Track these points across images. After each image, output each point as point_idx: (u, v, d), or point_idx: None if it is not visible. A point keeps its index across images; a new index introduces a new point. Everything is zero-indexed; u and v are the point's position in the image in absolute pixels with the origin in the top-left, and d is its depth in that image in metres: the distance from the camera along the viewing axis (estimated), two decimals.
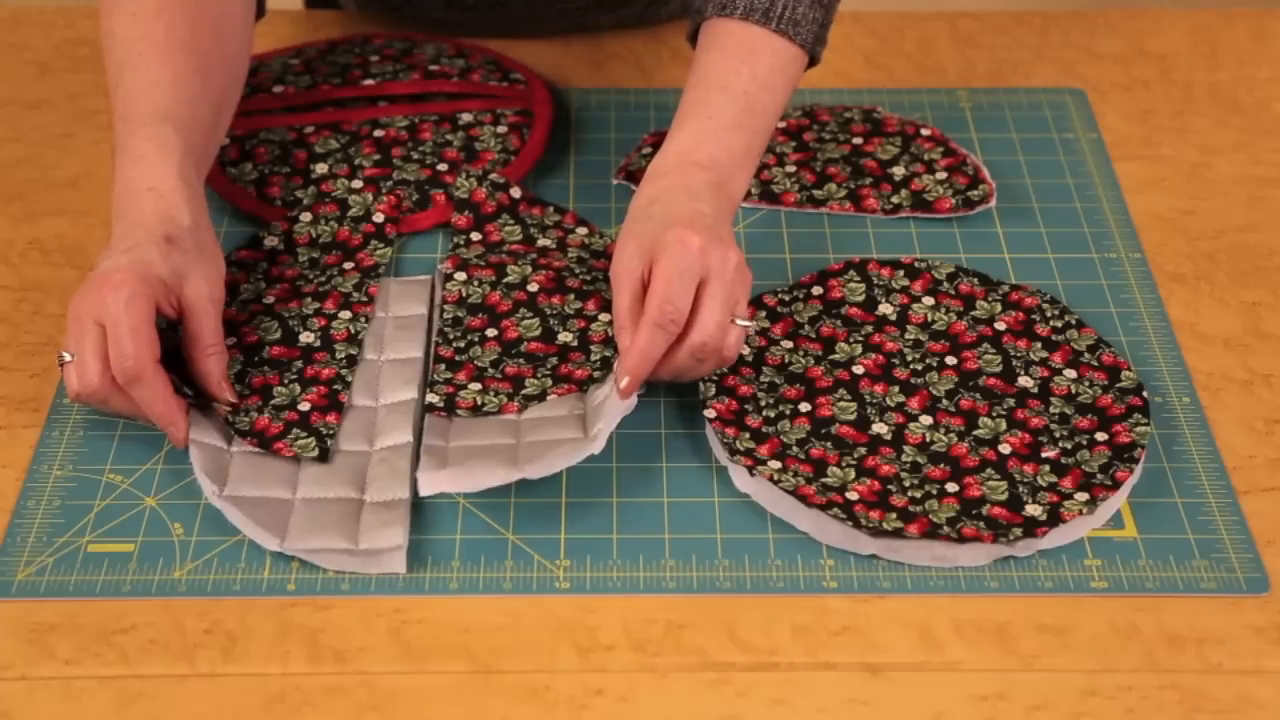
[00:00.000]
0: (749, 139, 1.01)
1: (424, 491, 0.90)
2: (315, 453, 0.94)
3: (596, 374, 0.97)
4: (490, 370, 0.98)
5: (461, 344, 1.00)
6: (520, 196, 1.11)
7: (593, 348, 0.99)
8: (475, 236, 1.08)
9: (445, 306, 1.02)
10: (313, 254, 1.08)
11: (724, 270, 0.93)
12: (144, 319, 0.91)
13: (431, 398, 0.96)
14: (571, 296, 1.02)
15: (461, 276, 1.04)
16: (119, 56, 1.01)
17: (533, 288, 1.03)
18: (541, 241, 1.08)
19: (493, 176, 1.11)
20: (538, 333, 1.00)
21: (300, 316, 1.02)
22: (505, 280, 1.04)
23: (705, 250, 0.93)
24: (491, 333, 1.00)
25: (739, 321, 0.94)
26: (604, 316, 1.00)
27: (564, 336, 1.00)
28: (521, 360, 0.98)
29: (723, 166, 0.99)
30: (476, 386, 0.97)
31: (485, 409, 0.95)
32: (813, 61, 1.05)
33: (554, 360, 0.98)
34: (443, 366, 0.98)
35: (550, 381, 0.97)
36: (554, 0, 1.27)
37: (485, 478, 0.90)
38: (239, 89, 1.07)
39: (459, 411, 0.95)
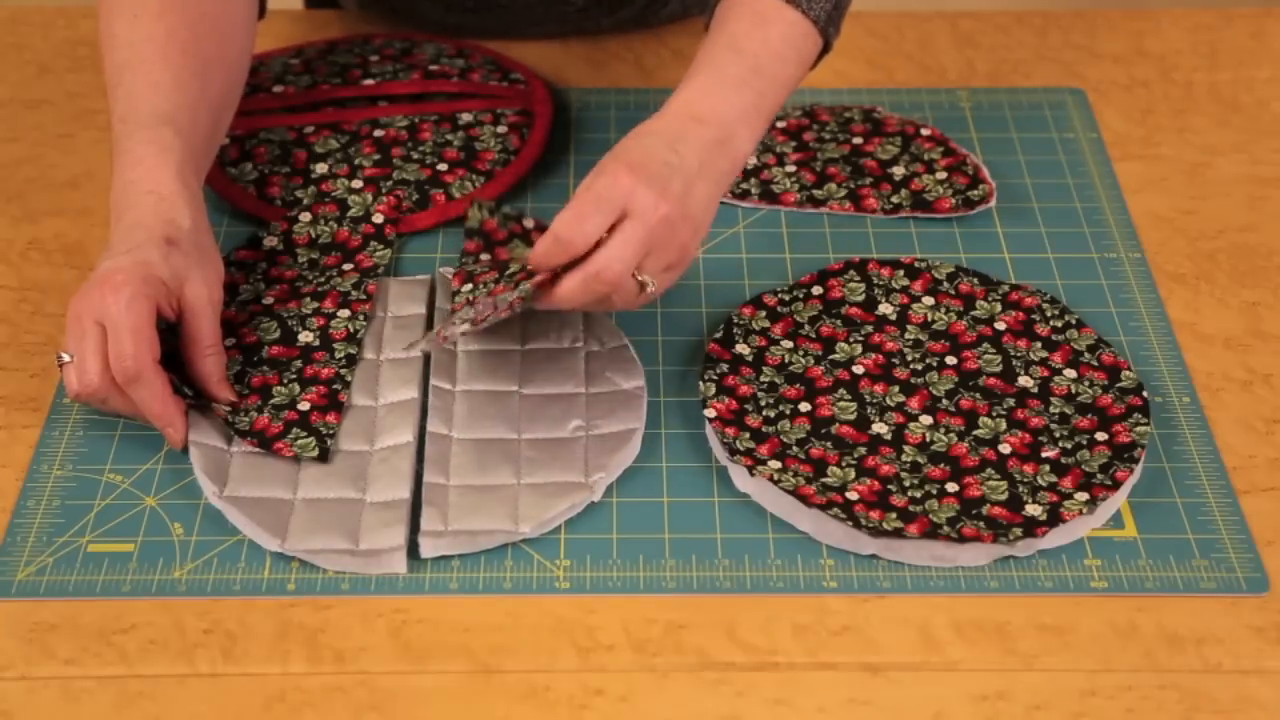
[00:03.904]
0: (755, 99, 0.97)
1: (425, 554, 0.91)
2: (315, 452, 0.94)
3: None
4: None
5: None
6: (533, 226, 1.10)
7: None
8: (484, 258, 1.07)
9: (455, 316, 1.01)
10: (312, 255, 1.07)
11: (646, 214, 0.90)
12: (145, 320, 0.91)
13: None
14: None
15: (468, 287, 1.03)
16: (119, 58, 1.01)
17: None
18: None
19: (505, 209, 1.10)
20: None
21: (299, 316, 1.02)
22: (506, 271, 1.01)
23: (633, 191, 0.90)
24: None
25: (641, 276, 0.90)
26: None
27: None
28: None
29: (725, 123, 0.95)
30: None
31: None
32: (826, 47, 1.02)
33: None
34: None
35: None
36: (553, 3, 1.27)
37: (485, 540, 0.91)
38: (239, 91, 1.07)
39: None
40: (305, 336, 1.01)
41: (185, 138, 0.99)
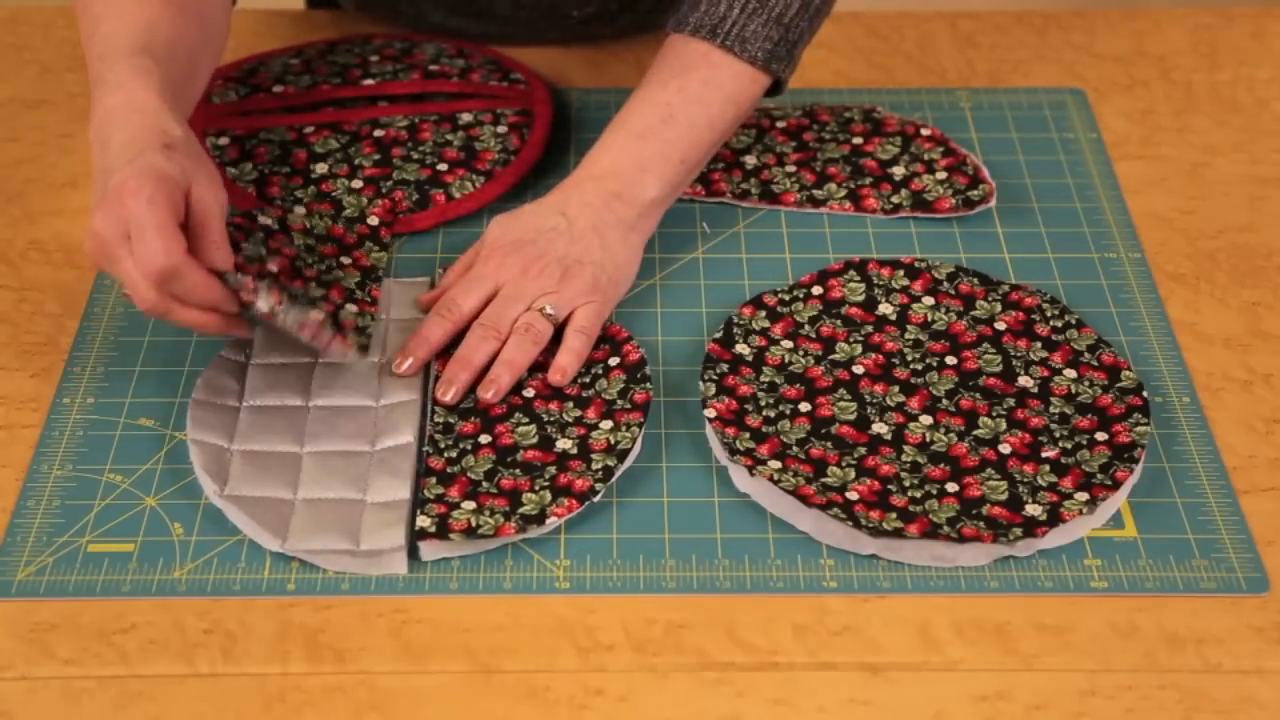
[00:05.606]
0: (663, 146, 1.03)
1: (426, 557, 0.90)
2: (367, 341, 0.99)
3: (598, 484, 0.92)
4: (484, 484, 0.93)
5: (454, 453, 0.95)
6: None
7: (594, 456, 0.94)
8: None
9: (436, 409, 0.98)
10: (308, 241, 1.06)
11: (518, 284, 1.00)
12: (167, 215, 0.88)
13: (423, 521, 0.91)
14: (570, 404, 0.97)
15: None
16: (96, 10, 0.99)
17: (529, 393, 0.98)
18: None
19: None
20: (534, 440, 0.96)
21: (307, 297, 0.99)
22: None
23: (495, 262, 1.01)
24: (485, 439, 0.96)
25: (545, 309, 0.99)
26: (605, 424, 0.96)
27: (562, 444, 0.95)
28: (518, 471, 0.93)
29: (622, 174, 1.02)
30: (470, 505, 0.92)
31: (480, 531, 0.90)
32: (776, 82, 1.05)
33: (552, 470, 0.93)
34: (433, 480, 0.93)
35: (549, 496, 0.92)
36: (554, 16, 1.27)
37: (487, 543, 0.91)
38: (215, 54, 1.05)
39: (452, 535, 0.90)
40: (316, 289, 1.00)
41: (164, 68, 0.96)
